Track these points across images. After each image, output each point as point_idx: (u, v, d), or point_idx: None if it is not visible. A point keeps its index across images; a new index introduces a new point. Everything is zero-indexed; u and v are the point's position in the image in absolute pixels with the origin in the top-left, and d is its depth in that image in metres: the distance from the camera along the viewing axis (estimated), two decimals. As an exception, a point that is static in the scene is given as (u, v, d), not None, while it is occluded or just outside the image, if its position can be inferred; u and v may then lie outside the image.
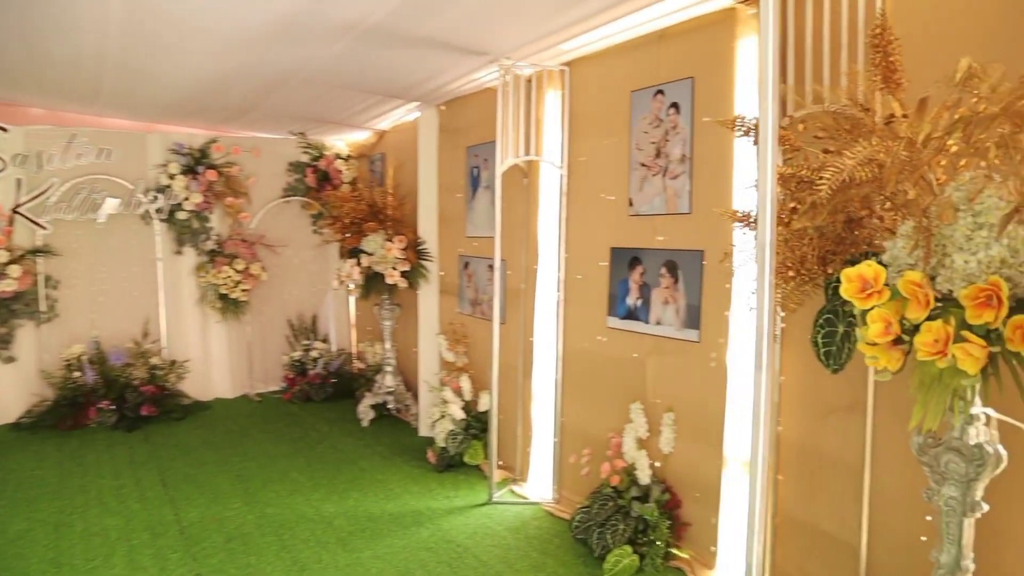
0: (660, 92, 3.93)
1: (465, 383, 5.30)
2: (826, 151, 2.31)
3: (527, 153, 4.59)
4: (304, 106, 6.11)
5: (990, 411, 2.21)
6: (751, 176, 3.48)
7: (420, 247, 6.01)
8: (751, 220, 2.38)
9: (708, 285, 3.69)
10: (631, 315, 4.11)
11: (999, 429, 2.20)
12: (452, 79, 5.11)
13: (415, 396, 6.35)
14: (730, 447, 3.62)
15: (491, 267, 5.22)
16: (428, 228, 6.02)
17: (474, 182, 5.50)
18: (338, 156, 7.68)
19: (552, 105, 4.62)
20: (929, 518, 2.84)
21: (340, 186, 7.51)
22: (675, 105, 3.84)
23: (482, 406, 5.23)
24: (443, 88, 5.36)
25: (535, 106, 4.61)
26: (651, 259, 3.98)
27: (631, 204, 4.11)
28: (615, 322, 4.22)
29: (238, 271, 7.04)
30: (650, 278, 3.99)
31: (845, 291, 2.04)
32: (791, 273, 2.21)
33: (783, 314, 3.08)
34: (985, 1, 2.50)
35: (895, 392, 2.92)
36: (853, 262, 2.29)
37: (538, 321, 4.87)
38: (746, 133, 2.42)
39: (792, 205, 2.15)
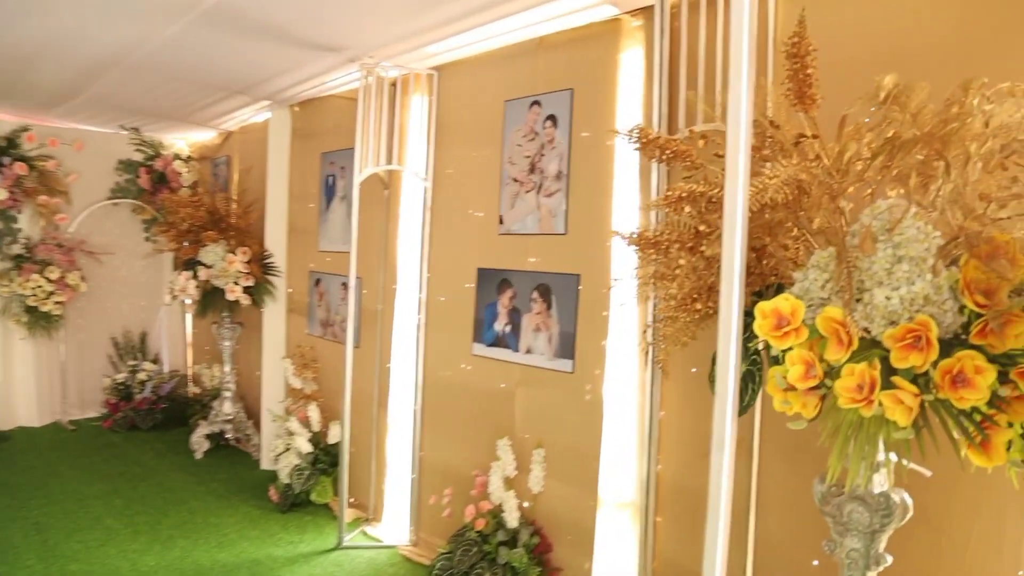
0: (536, 103, 3.65)
1: (313, 412, 4.80)
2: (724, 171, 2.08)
3: (389, 162, 4.20)
4: (137, 97, 5.42)
5: (893, 456, 2.03)
6: (633, 196, 3.29)
7: (266, 261, 5.46)
8: (656, 244, 2.10)
9: (584, 312, 3.43)
10: (499, 342, 3.79)
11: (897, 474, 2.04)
12: (306, 77, 4.64)
13: (257, 425, 5.76)
14: (605, 487, 3.36)
15: (345, 285, 4.78)
16: (276, 240, 5.48)
17: (329, 192, 5.03)
18: (177, 156, 6.96)
19: (418, 111, 4.26)
20: (816, 562, 2.69)
21: (179, 190, 6.81)
22: (552, 118, 3.57)
23: (332, 438, 4.75)
24: (296, 87, 4.87)
25: (399, 111, 4.23)
26: (522, 282, 3.69)
27: (501, 222, 3.80)
28: (481, 349, 3.89)
29: (51, 280, 6.19)
30: (521, 303, 3.69)
31: (760, 328, 1.80)
32: (698, 305, 1.94)
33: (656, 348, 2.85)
34: (912, 16, 2.37)
35: (782, 431, 2.75)
36: (758, 295, 2.07)
37: (396, 346, 4.47)
38: (646, 146, 2.15)
39: (700, 228, 1.89)
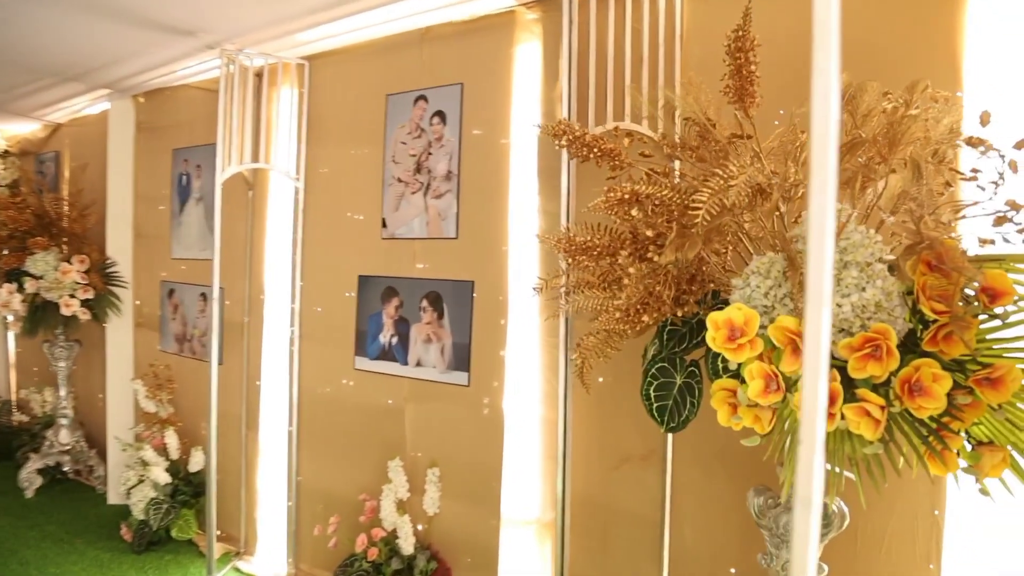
0: (422, 98, 3.40)
1: (171, 439, 4.32)
2: (651, 172, 1.94)
3: (255, 160, 3.81)
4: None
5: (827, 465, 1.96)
6: (531, 198, 3.11)
7: (108, 270, 4.89)
8: (587, 250, 1.92)
9: (480, 321, 3.22)
10: (385, 355, 3.52)
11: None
12: (154, 65, 4.16)
13: (101, 455, 5.16)
14: (508, 505, 3.16)
15: (204, 296, 4.35)
16: (120, 247, 4.91)
17: (183, 192, 4.56)
18: (-8, 152, 6.17)
19: (287, 105, 3.89)
20: (733, 570, 2.62)
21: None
22: (440, 114, 3.34)
23: (194, 465, 4.29)
24: (142, 76, 4.37)
25: (265, 105, 3.85)
26: (410, 290, 3.43)
27: (385, 225, 3.53)
28: (365, 363, 3.60)
29: None
30: (409, 312, 3.43)
31: (713, 341, 1.66)
32: (645, 318, 1.77)
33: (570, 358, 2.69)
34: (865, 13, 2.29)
35: (696, 439, 2.66)
36: (698, 303, 1.94)
37: (266, 362, 4.08)
38: (572, 144, 1.96)
39: (648, 233, 1.72)
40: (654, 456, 2.78)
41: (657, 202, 1.70)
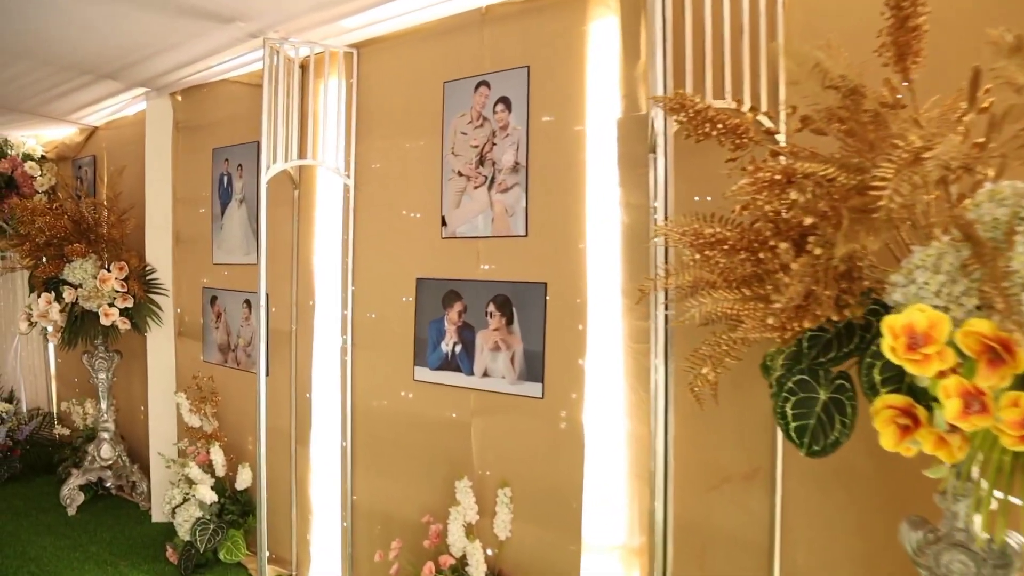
0: (484, 84, 3.11)
1: (217, 455, 4.08)
2: (796, 149, 1.62)
3: (301, 156, 3.55)
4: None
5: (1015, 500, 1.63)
6: (612, 188, 2.81)
7: (148, 277, 4.66)
8: (718, 243, 1.61)
9: (554, 326, 2.92)
10: (448, 364, 3.24)
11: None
12: (193, 58, 3.92)
13: (144, 470, 4.95)
14: (590, 528, 2.87)
15: (248, 303, 4.10)
16: (159, 252, 4.69)
17: (224, 194, 4.31)
18: (28, 157, 5.98)
19: (334, 97, 3.62)
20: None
21: (32, 196, 5.84)
22: (504, 100, 3.05)
23: (241, 483, 4.04)
24: (180, 71, 4.14)
25: (311, 97, 3.59)
26: (474, 294, 3.14)
27: (444, 224, 3.24)
28: (425, 373, 3.32)
29: None
30: (473, 318, 3.15)
31: (892, 351, 1.35)
32: (807, 323, 1.46)
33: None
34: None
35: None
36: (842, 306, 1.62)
37: (316, 372, 3.83)
38: (693, 119, 1.66)
39: (808, 222, 1.41)
40: (760, 474, 2.47)
41: (817, 183, 1.38)
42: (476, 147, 3.13)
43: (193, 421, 4.18)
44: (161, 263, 4.67)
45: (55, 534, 4.51)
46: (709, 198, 2.50)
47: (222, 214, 4.31)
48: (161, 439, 4.63)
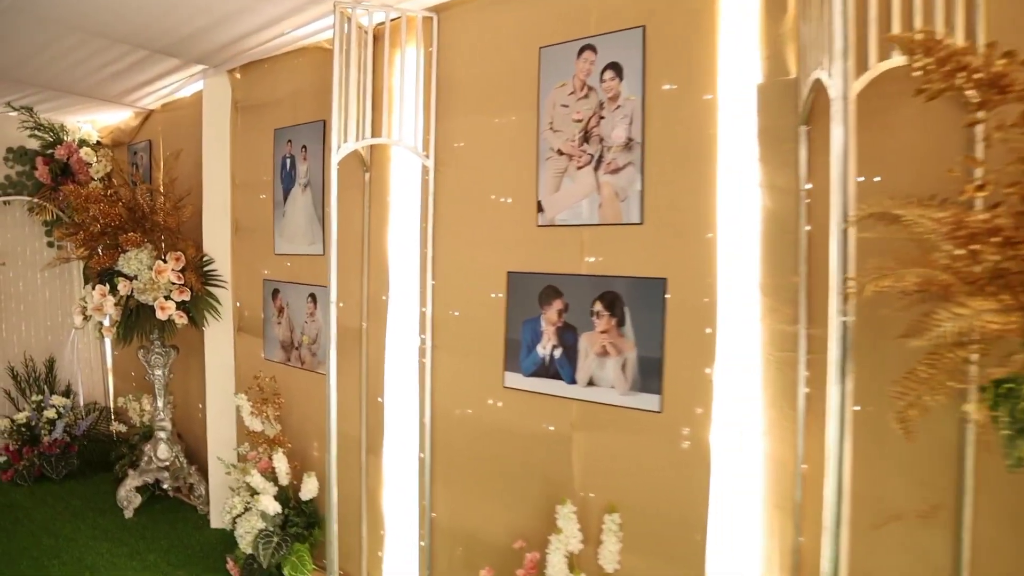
0: (590, 48, 2.70)
1: (280, 462, 3.73)
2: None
3: (375, 135, 3.17)
4: (24, 61, 4.22)
5: None
6: (751, 167, 2.38)
7: (206, 268, 4.35)
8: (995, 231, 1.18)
9: (675, 329, 2.51)
10: (545, 370, 2.84)
11: None
12: (254, 29, 3.58)
13: (202, 471, 4.66)
14: (716, 564, 2.46)
15: (313, 297, 3.75)
16: (217, 242, 4.36)
17: (287, 179, 3.96)
18: (83, 143, 5.72)
19: (412, 68, 3.23)
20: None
21: (88, 183, 5.59)
22: (615, 67, 2.63)
23: (306, 493, 3.70)
24: (240, 43, 3.79)
25: (386, 69, 3.20)
26: (577, 290, 2.74)
27: (541, 210, 2.84)
28: (518, 380, 2.93)
29: (-73, 302, 4.95)
30: (576, 318, 2.74)
31: None
32: None
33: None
34: None
35: (1008, 488, 1.91)
36: None
37: (390, 375, 3.46)
38: (943, 64, 1.23)
39: None
40: (940, 512, 2.04)
41: None
42: (580, 121, 2.72)
43: (254, 425, 3.84)
44: (219, 253, 4.35)
45: (112, 539, 4.24)
46: (878, 178, 2.06)
47: (284, 200, 3.96)
48: (219, 441, 4.33)
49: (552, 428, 2.83)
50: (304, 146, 3.81)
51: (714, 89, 2.42)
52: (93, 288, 4.37)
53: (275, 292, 4.06)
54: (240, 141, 4.29)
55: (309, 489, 3.69)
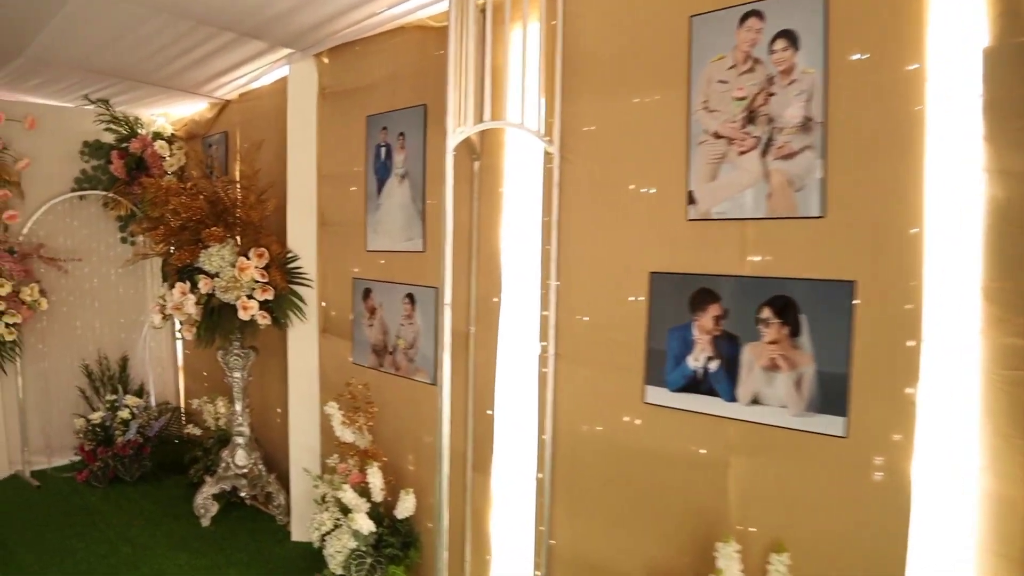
0: (755, 14, 2.33)
1: (375, 477, 3.42)
2: None
3: (494, 118, 2.83)
4: (102, 49, 4.00)
5: None
6: (964, 152, 1.99)
7: (290, 265, 4.07)
8: None
9: (866, 341, 2.13)
10: (696, 385, 2.48)
11: None
12: (346, 8, 3.31)
13: (282, 480, 4.39)
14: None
15: (411, 298, 3.44)
16: (302, 238, 4.09)
17: (381, 169, 3.66)
18: (158, 136, 5.51)
19: (533, 43, 2.88)
20: None
21: (162, 177, 5.39)
22: (788, 35, 2.25)
23: (402, 511, 3.39)
24: (332, 24, 3.51)
25: (501, 46, 2.86)
26: (739, 294, 2.37)
27: (693, 201, 2.48)
28: (662, 396, 2.57)
29: (0, 298, 4.75)
30: (738, 325, 2.38)
31: None
32: None
33: None
34: None
35: None
36: None
37: (501, 385, 3.13)
38: None
39: None
40: None
41: None
42: (743, 100, 2.35)
43: (346, 435, 3.54)
44: (304, 250, 4.07)
45: (190, 550, 4.00)
46: None
47: (379, 192, 3.66)
48: (302, 450, 4.06)
49: (703, 451, 2.47)
50: (402, 133, 3.50)
51: (921, 57, 2.03)
52: (172, 286, 4.12)
53: (367, 292, 3.76)
54: (327, 130, 4.00)
55: (406, 507, 3.38)
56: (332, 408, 3.56)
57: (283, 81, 4.36)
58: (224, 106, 5.12)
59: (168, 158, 5.50)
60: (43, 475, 5.18)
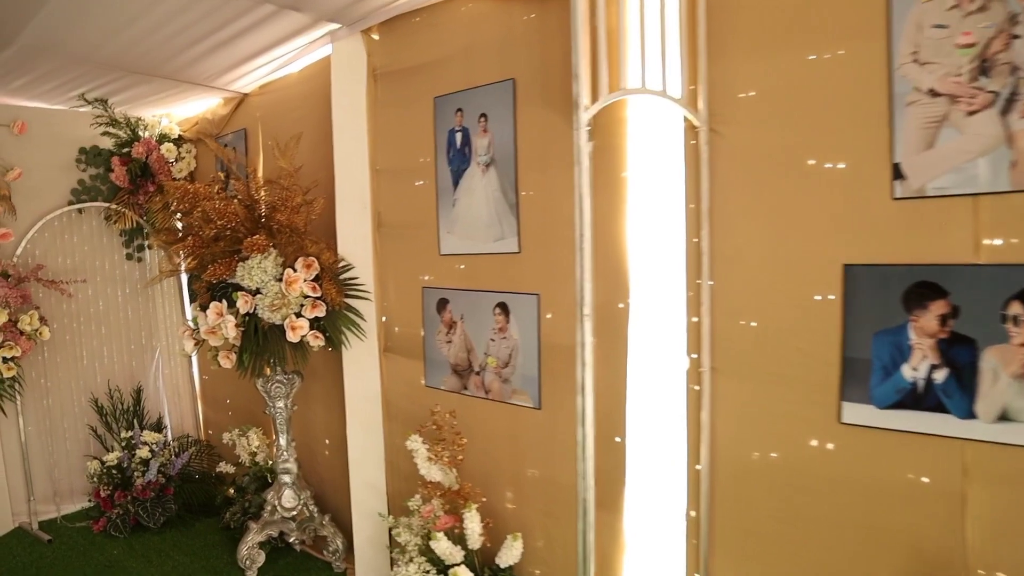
0: (988, -64, 1.87)
1: (473, 522, 2.92)
2: None
3: (612, 89, 2.35)
4: (104, 40, 3.46)
5: None
6: None
7: (344, 276, 3.56)
8: None
9: None
10: (916, 400, 2.02)
11: None
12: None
13: (337, 522, 3.88)
14: None
15: (503, 307, 2.95)
16: (355, 243, 3.57)
17: (458, 157, 3.15)
18: (164, 138, 4.95)
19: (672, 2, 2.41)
20: None
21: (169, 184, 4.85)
22: (1039, -42, 1.80)
23: (506, 559, 2.89)
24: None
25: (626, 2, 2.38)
26: (975, 287, 1.91)
27: (900, 175, 2.02)
28: (865, 413, 2.11)
29: (-5, 329, 4.19)
30: (974, 326, 1.92)
31: None
32: None
33: None
34: None
35: None
36: None
37: (633, 406, 2.65)
38: None
39: None
40: None
41: None
42: (969, 47, 1.89)
43: (432, 473, 3.04)
44: (358, 257, 3.55)
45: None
46: None
47: (455, 186, 3.15)
48: (366, 489, 3.56)
49: (926, 480, 2.01)
50: (483, 114, 3.00)
51: None
52: (201, 306, 3.60)
53: (442, 303, 3.26)
54: (381, 117, 3.49)
55: (511, 555, 2.89)
56: (416, 443, 3.05)
57: (316, 67, 3.88)
58: (241, 101, 4.58)
59: (177, 163, 4.94)
60: (53, 526, 4.60)
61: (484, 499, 3.00)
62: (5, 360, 4.21)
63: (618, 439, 2.67)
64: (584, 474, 2.38)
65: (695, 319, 2.41)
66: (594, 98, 2.29)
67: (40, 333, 4.39)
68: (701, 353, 2.40)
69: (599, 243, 2.64)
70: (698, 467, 2.44)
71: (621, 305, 2.62)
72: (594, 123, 2.57)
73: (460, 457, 3.05)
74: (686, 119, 2.39)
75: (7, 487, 4.57)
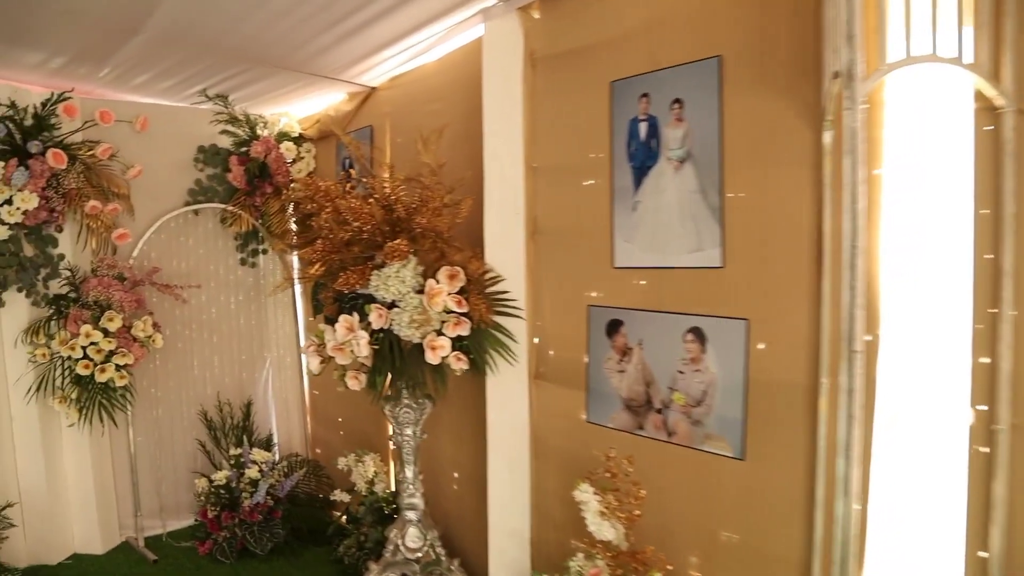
0: None
1: (661, 593, 2.40)
2: None
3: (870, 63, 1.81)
4: (230, 27, 3.16)
5: None
6: None
7: (490, 288, 3.10)
8: None
9: None
10: None
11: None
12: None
13: (467, 568, 3.42)
14: None
15: (697, 333, 2.42)
16: (505, 252, 3.11)
17: (641, 152, 2.64)
18: (284, 136, 4.63)
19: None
20: None
21: (287, 185, 4.54)
22: None
23: (696, 640, 2.36)
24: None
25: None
26: None
27: None
28: None
29: (110, 333, 3.89)
30: None
31: None
32: None
33: None
34: None
35: None
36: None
37: (879, 466, 2.08)
38: None
39: None
40: None
41: None
42: None
43: (603, 531, 2.52)
44: (508, 268, 3.09)
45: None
46: None
47: (636, 186, 2.65)
48: (506, 536, 3.10)
49: None
50: (677, 100, 2.49)
51: None
52: (328, 319, 3.20)
53: (613, 324, 2.75)
54: (539, 108, 3.03)
55: (704, 635, 2.35)
56: (586, 493, 2.54)
57: (457, 54, 3.50)
58: (368, 95, 4.21)
59: (295, 163, 4.61)
60: (158, 543, 4.31)
61: (670, 567, 2.46)
62: (118, 368, 3.93)
63: (857, 506, 2.09)
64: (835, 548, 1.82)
65: (986, 359, 1.83)
66: (870, 67, 1.75)
67: (153, 340, 4.11)
68: (995, 405, 1.82)
69: (837, 257, 2.09)
70: (984, 554, 1.85)
71: (868, 338, 2.06)
72: (835, 109, 2.04)
73: (637, 512, 2.53)
74: (980, 98, 1.82)
75: (115, 500, 4.30)
